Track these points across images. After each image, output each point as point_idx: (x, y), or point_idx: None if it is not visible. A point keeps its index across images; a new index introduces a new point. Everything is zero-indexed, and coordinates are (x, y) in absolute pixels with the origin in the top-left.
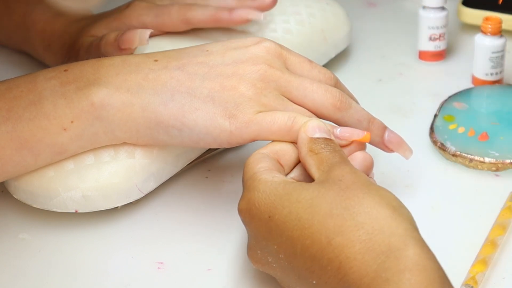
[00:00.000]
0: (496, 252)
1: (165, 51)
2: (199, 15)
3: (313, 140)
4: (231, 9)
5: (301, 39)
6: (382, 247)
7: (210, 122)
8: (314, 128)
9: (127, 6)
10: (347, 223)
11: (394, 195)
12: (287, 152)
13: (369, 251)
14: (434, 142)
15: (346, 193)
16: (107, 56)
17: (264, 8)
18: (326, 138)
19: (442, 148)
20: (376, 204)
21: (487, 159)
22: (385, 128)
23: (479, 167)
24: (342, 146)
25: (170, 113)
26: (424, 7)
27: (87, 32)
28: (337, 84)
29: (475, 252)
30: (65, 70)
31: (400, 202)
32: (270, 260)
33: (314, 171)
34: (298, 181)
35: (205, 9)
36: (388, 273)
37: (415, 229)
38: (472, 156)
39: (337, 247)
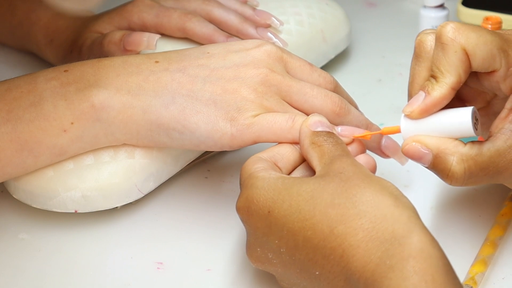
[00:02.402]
0: (495, 252)
1: (166, 52)
2: (196, 29)
3: (316, 133)
4: (227, 36)
5: (301, 40)
6: (386, 235)
7: (212, 125)
8: (316, 122)
9: (131, 1)
10: (350, 212)
11: (395, 186)
12: (284, 156)
13: (373, 239)
14: None
15: (348, 183)
16: (109, 54)
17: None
18: (328, 132)
19: None
20: (378, 193)
21: None
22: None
23: None
24: None
25: (171, 115)
26: (425, 7)
27: (90, 28)
28: (337, 88)
29: (475, 252)
30: (65, 71)
31: (401, 192)
32: (270, 256)
33: (316, 164)
34: None
35: (203, 26)
36: (392, 260)
37: (417, 217)
38: None
39: (339, 236)
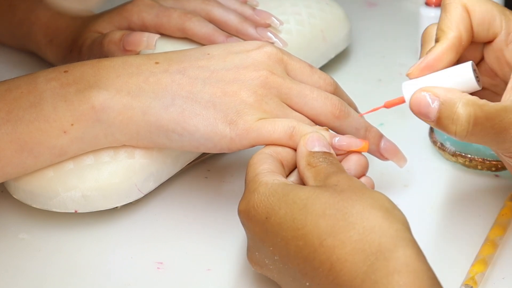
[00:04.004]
0: (495, 252)
1: (166, 52)
2: (196, 29)
3: (312, 154)
4: (227, 36)
5: (301, 39)
6: (373, 248)
7: (211, 128)
8: (313, 141)
9: (131, 1)
10: (339, 224)
11: (388, 198)
12: (289, 153)
13: (360, 251)
14: (434, 142)
15: (341, 195)
16: (109, 54)
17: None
18: (324, 152)
19: (442, 148)
20: (368, 206)
21: (487, 159)
22: (381, 136)
23: (479, 167)
24: (339, 155)
25: (170, 117)
26: (425, 5)
27: (90, 27)
28: (337, 90)
29: (475, 252)
30: (65, 71)
31: (394, 205)
32: (267, 262)
33: (312, 183)
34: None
35: (203, 26)
36: (377, 275)
37: (407, 230)
38: (472, 156)
39: (328, 248)
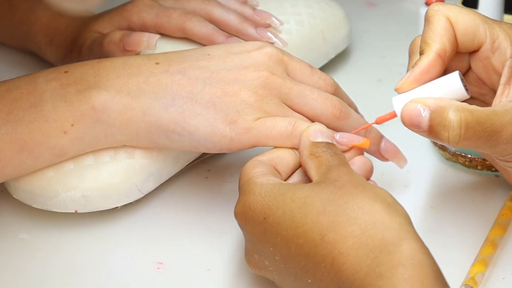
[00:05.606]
0: (495, 253)
1: (166, 53)
2: (196, 29)
3: (315, 144)
4: (227, 36)
5: (301, 40)
6: (376, 242)
7: (211, 128)
8: (316, 132)
9: (131, 1)
10: (340, 219)
11: (389, 193)
12: (284, 159)
13: (362, 246)
14: (434, 142)
15: (341, 191)
16: (109, 54)
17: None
18: (327, 143)
19: (442, 148)
20: (370, 200)
21: (487, 159)
22: (381, 137)
23: (479, 167)
24: (343, 152)
25: (170, 117)
26: (425, 5)
27: (90, 27)
28: (337, 91)
29: (475, 252)
30: (65, 72)
31: (395, 199)
32: (267, 263)
33: (313, 174)
34: None
35: (203, 26)
36: (381, 268)
37: (410, 224)
38: (472, 156)
39: (330, 243)
